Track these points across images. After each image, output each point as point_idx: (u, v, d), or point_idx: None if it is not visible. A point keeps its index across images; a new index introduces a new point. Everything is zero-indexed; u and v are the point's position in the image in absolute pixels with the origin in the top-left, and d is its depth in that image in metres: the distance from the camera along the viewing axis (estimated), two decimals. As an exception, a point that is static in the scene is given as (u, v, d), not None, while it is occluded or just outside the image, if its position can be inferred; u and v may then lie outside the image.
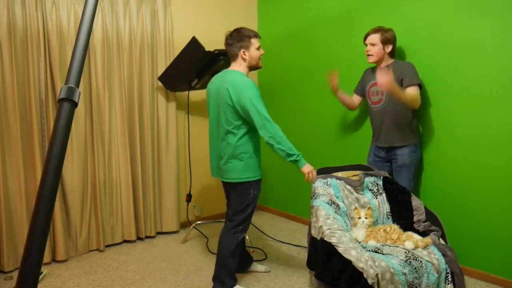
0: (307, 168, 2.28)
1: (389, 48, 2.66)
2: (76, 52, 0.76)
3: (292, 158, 2.22)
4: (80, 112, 2.96)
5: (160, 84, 3.36)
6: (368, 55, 2.68)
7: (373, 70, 2.82)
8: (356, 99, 2.96)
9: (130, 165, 3.21)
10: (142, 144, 3.32)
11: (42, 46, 2.73)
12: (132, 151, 3.26)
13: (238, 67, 2.35)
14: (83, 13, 0.80)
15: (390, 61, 2.71)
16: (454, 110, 2.65)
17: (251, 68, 2.39)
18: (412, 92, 2.54)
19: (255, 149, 2.34)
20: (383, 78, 2.33)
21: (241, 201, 2.34)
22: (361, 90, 2.93)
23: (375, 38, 2.64)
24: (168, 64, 3.32)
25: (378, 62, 2.72)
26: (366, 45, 2.70)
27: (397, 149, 2.69)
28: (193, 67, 3.13)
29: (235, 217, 2.36)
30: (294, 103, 3.82)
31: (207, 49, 3.00)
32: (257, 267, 2.76)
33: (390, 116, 2.68)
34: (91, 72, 3.00)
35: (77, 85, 0.75)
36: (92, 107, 3.01)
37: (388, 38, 2.65)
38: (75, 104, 0.73)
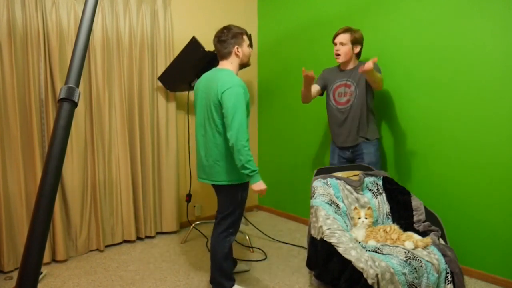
0: (257, 186, 2.14)
1: (357, 49, 2.69)
2: (76, 52, 0.76)
3: (246, 172, 2.11)
4: (80, 112, 2.96)
5: (160, 84, 3.36)
6: (337, 54, 2.69)
7: (338, 70, 2.82)
8: (315, 89, 2.87)
9: (130, 165, 3.21)
10: (142, 144, 3.32)
11: (42, 46, 2.73)
12: (132, 151, 3.26)
13: (229, 65, 2.29)
14: (83, 13, 0.80)
15: (357, 62, 2.74)
16: (454, 110, 2.65)
17: (242, 65, 2.36)
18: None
19: None
20: (368, 64, 2.37)
21: (229, 204, 2.29)
22: (323, 84, 2.89)
23: (345, 37, 2.65)
24: (168, 64, 3.32)
25: (346, 63, 2.74)
26: (335, 44, 2.69)
27: (363, 147, 2.74)
28: (193, 67, 3.13)
29: (223, 221, 2.31)
30: (294, 102, 3.81)
31: (207, 49, 3.00)
32: (240, 267, 2.75)
33: (354, 114, 2.72)
34: (91, 72, 3.00)
35: (77, 85, 0.75)
36: (92, 107, 3.01)
37: (357, 39, 2.66)
38: (75, 104, 0.73)
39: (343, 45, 2.66)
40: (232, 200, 2.29)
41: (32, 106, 2.70)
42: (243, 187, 2.30)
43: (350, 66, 2.75)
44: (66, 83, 0.74)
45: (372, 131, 2.77)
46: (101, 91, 3.05)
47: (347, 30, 2.66)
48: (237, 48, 2.26)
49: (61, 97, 0.72)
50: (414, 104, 2.85)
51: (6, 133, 2.66)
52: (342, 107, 2.77)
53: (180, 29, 3.53)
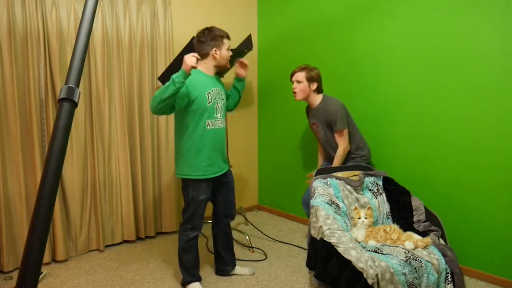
0: (186, 64, 2.06)
1: (314, 86, 2.76)
2: (76, 52, 0.76)
3: (168, 84, 2.07)
4: (80, 112, 2.96)
5: (160, 84, 3.36)
6: (294, 92, 2.77)
7: (310, 108, 2.92)
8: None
9: (130, 165, 3.20)
10: (142, 144, 3.32)
11: (42, 46, 2.73)
12: (132, 151, 3.26)
13: (202, 65, 2.33)
14: (83, 13, 0.80)
15: (319, 97, 2.80)
16: (453, 110, 2.65)
17: (219, 67, 2.40)
18: (339, 141, 2.71)
19: (197, 148, 2.31)
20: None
21: (184, 198, 2.39)
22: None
23: (300, 75, 2.73)
24: (168, 64, 3.32)
25: (306, 99, 2.82)
26: (292, 82, 2.79)
27: None
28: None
29: (183, 214, 2.41)
30: (294, 102, 3.81)
31: (207, 49, 2.99)
32: (242, 270, 2.71)
33: (330, 152, 2.86)
34: (91, 72, 3.00)
35: (77, 85, 0.75)
36: (92, 107, 3.01)
37: (313, 76, 2.73)
38: (75, 104, 0.73)
39: (299, 83, 2.74)
40: (184, 195, 2.38)
41: (32, 106, 2.70)
42: (193, 184, 2.33)
43: (315, 104, 2.82)
44: (66, 83, 0.74)
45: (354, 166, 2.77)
46: (101, 91, 3.05)
47: (303, 68, 2.75)
48: (215, 50, 2.31)
49: (61, 97, 0.72)
50: (414, 104, 2.85)
51: (6, 133, 2.66)
52: (320, 141, 2.92)
53: (180, 29, 3.52)
